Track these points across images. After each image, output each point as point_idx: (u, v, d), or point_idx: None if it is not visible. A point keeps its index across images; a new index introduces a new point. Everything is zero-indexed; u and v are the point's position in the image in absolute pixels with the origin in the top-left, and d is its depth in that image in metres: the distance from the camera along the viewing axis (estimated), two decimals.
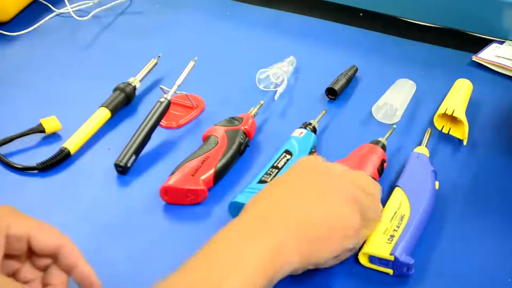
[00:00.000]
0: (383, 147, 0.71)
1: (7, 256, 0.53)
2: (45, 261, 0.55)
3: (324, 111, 0.78)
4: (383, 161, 0.70)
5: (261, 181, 0.67)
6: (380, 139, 0.72)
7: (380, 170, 0.69)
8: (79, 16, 0.99)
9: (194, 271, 0.49)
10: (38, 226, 0.54)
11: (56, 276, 0.54)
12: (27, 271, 0.55)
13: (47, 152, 0.74)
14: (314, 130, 0.74)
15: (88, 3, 1.02)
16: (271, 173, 0.68)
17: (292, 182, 0.58)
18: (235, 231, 0.53)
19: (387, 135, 0.73)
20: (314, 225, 0.54)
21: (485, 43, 0.92)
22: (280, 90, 0.83)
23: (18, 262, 0.55)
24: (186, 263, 0.49)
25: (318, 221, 0.55)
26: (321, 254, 0.55)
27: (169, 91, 0.78)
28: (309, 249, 0.53)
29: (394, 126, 0.75)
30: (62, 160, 0.73)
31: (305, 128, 0.73)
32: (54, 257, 0.54)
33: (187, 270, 0.49)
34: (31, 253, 0.55)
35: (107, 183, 0.72)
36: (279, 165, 0.69)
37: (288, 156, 0.70)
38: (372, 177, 0.67)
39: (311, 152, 0.71)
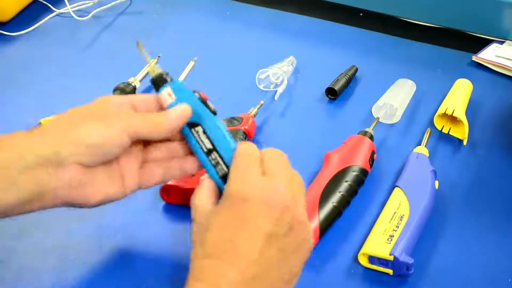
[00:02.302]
0: (371, 138, 0.71)
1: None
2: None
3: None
4: (373, 153, 0.70)
5: None
6: (367, 129, 0.73)
7: (371, 162, 0.70)
8: (79, 16, 0.99)
9: None
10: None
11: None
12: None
13: None
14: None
15: (88, 3, 1.02)
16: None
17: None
18: None
19: (372, 125, 0.74)
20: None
21: (485, 43, 0.92)
22: (280, 90, 0.83)
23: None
24: None
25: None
26: None
27: None
28: None
29: (378, 116, 0.76)
30: None
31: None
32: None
33: None
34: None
35: None
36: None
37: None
38: (364, 168, 0.67)
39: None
